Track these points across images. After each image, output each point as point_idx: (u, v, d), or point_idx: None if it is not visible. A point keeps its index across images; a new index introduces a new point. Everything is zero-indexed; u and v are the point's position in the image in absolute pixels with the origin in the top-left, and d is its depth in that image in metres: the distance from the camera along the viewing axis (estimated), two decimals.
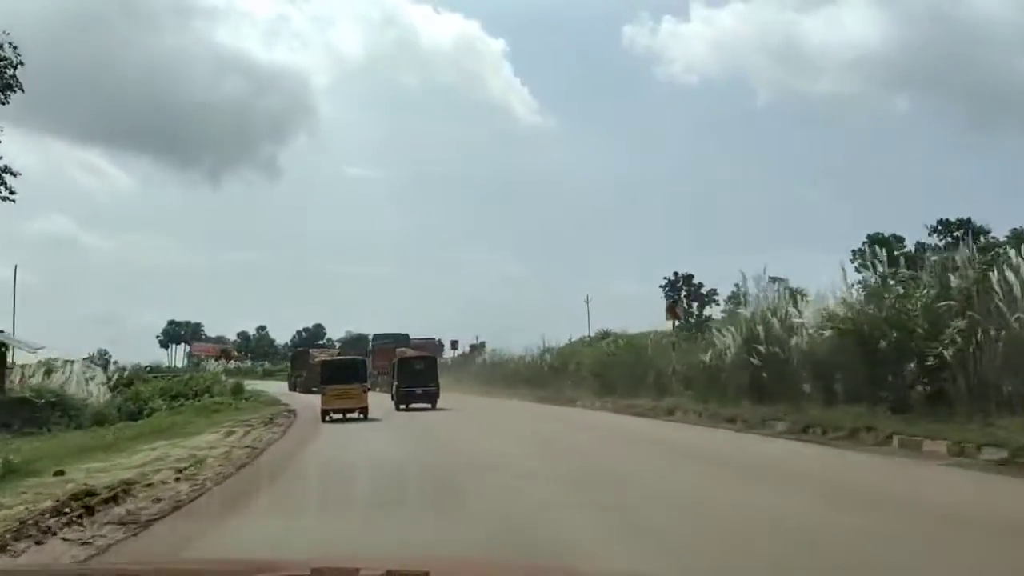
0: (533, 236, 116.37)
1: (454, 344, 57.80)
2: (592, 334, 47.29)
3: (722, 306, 43.55)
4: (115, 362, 52.24)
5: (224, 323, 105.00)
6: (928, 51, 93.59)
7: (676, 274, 61.15)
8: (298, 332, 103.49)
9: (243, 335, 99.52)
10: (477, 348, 58.06)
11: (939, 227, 48.54)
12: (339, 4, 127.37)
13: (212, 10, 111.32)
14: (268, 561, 3.16)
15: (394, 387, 30.18)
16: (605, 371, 30.61)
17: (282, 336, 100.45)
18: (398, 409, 29.10)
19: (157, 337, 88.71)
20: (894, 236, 46.14)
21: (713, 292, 53.46)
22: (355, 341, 60.49)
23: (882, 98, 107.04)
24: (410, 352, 37.95)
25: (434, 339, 56.34)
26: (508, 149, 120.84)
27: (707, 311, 49.84)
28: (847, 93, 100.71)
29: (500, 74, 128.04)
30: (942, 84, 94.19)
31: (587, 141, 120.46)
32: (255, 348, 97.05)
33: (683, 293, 57.47)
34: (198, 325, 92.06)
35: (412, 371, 30.29)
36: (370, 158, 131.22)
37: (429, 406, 29.66)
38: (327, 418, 24.03)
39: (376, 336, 54.71)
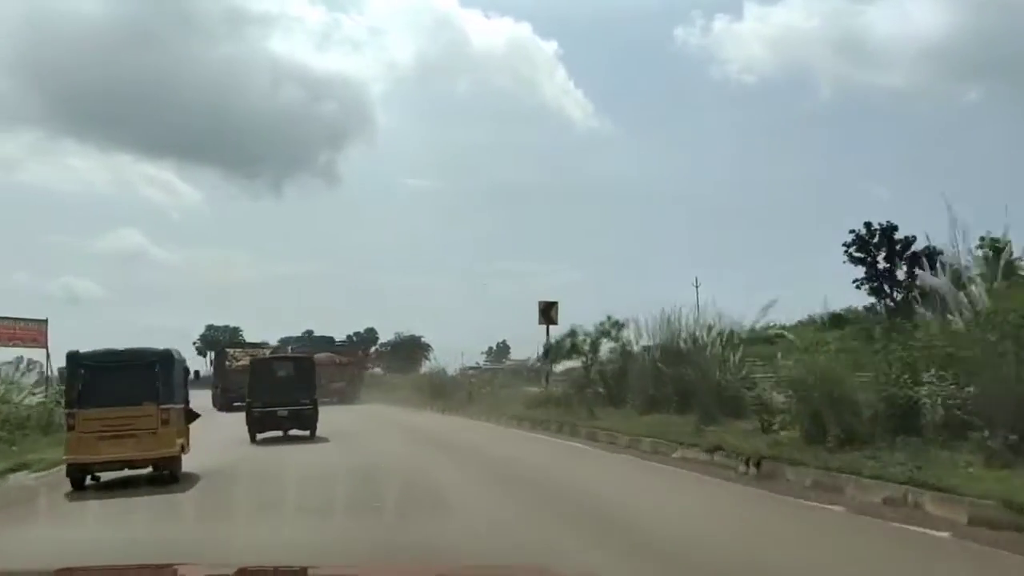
0: (592, 241, 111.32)
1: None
2: None
3: None
4: None
5: (274, 328, 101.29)
6: (1000, 40, 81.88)
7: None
8: (348, 336, 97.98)
9: (285, 340, 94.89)
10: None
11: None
12: (390, 11, 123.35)
13: (265, 18, 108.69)
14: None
15: (248, 407, 21.38)
16: None
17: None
18: (254, 441, 20.50)
19: (194, 343, 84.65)
20: None
21: None
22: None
23: (952, 90, 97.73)
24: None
25: (357, 344, 50.71)
26: (565, 153, 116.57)
27: None
28: (915, 85, 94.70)
29: (554, 77, 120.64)
30: (1017, 73, 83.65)
31: (644, 143, 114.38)
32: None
33: None
34: (236, 329, 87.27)
35: (274, 381, 21.38)
36: (424, 166, 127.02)
37: (306, 433, 21.00)
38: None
39: (283, 339, 49.12)
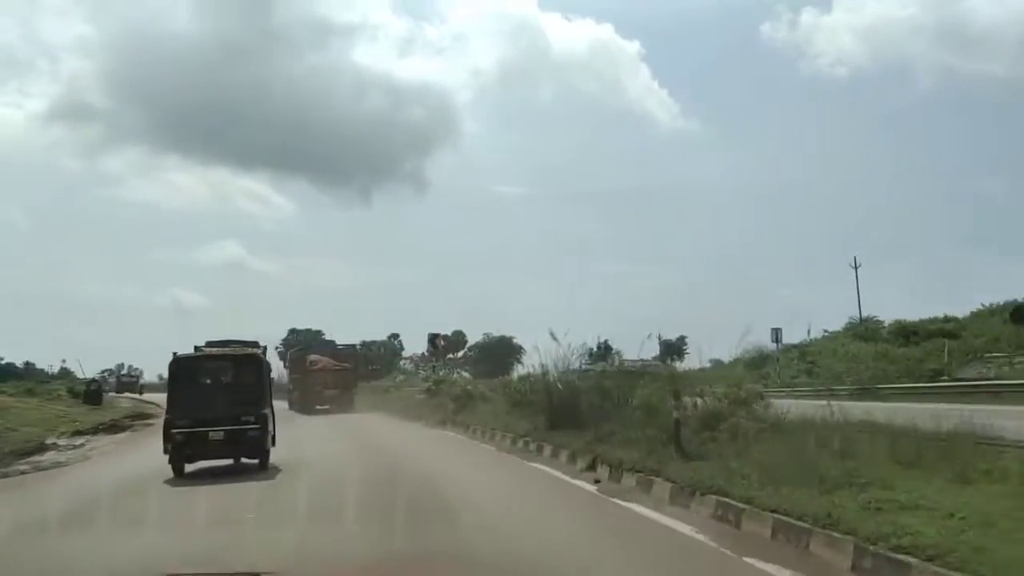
0: (681, 245, 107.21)
1: None
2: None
3: None
4: None
5: (358, 333, 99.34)
6: None
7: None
8: (433, 335, 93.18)
9: (367, 343, 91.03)
10: None
11: None
12: (471, 17, 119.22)
13: (349, 28, 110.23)
14: None
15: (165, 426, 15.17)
16: None
17: (415, 345, 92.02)
18: (180, 475, 14.69)
19: (276, 348, 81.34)
20: None
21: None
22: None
23: None
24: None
25: (354, 345, 46.55)
26: (651, 155, 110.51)
27: None
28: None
29: (638, 78, 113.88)
30: None
31: (733, 143, 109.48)
32: (377, 357, 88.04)
33: None
34: (318, 332, 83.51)
35: (204, 388, 15.36)
36: (510, 171, 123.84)
37: (255, 462, 15.10)
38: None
39: (291, 344, 44.58)
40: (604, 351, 79.83)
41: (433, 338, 41.86)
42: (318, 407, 39.00)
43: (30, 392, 33.54)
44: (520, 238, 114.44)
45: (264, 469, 15.10)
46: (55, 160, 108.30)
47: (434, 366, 39.94)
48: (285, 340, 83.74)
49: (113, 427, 27.30)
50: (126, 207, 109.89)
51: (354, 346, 46.92)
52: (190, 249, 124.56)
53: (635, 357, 25.38)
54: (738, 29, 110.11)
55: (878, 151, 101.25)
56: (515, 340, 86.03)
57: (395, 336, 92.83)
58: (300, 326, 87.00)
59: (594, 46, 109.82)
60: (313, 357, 42.27)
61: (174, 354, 15.51)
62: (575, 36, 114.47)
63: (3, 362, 76.15)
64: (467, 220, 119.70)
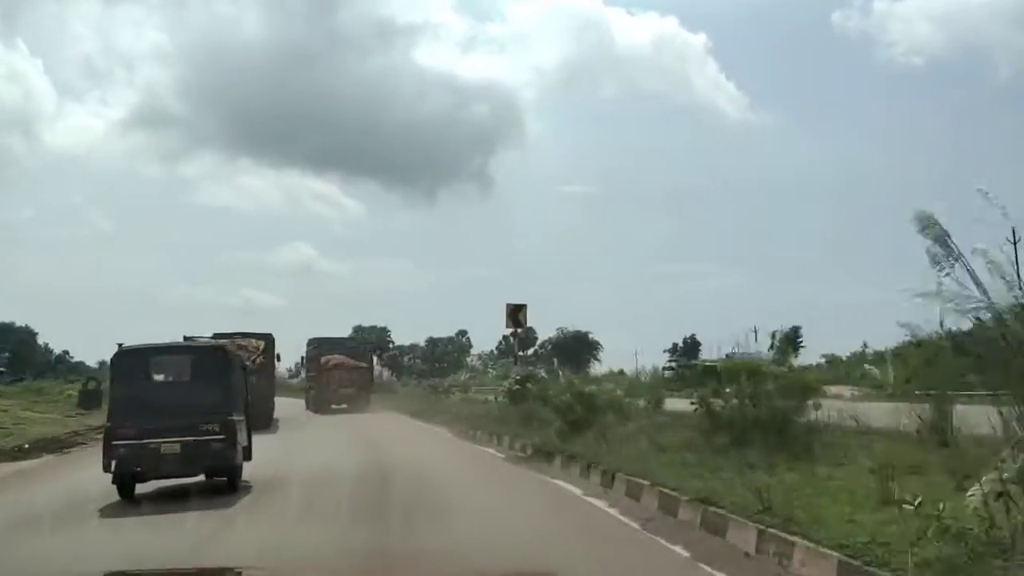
0: (754, 241, 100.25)
1: None
2: None
3: None
4: None
5: (424, 331, 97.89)
6: None
7: None
8: (504, 338, 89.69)
9: (432, 341, 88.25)
10: None
11: None
12: (534, 15, 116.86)
13: (411, 28, 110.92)
14: None
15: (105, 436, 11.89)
16: None
17: (484, 343, 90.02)
18: (126, 496, 11.36)
19: None
20: None
21: None
22: None
23: None
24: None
25: (369, 343, 44.69)
26: (720, 150, 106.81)
27: None
28: None
29: (705, 71, 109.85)
30: None
31: (805, 136, 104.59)
32: (439, 355, 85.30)
33: None
34: (383, 329, 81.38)
35: (155, 390, 11.67)
36: (576, 169, 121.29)
37: (225, 482, 11.68)
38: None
39: (311, 340, 42.85)
40: (690, 347, 74.39)
41: (514, 311, 25.55)
42: (333, 406, 37.98)
43: (40, 392, 31.58)
44: (586, 237, 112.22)
45: (233, 491, 11.68)
46: (135, 166, 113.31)
47: (516, 358, 36.02)
48: (350, 337, 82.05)
49: (59, 443, 21.11)
50: (201, 211, 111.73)
51: (369, 343, 44.83)
52: (263, 251, 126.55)
53: (738, 351, 21.08)
54: (808, 18, 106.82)
55: (954, 143, 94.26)
56: (591, 335, 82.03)
57: (463, 333, 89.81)
58: (366, 324, 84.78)
59: (658, 40, 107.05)
60: (327, 355, 40.70)
61: (119, 346, 12.17)
62: (639, 30, 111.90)
63: (74, 361, 77.41)
64: (532, 219, 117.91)
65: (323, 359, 40.49)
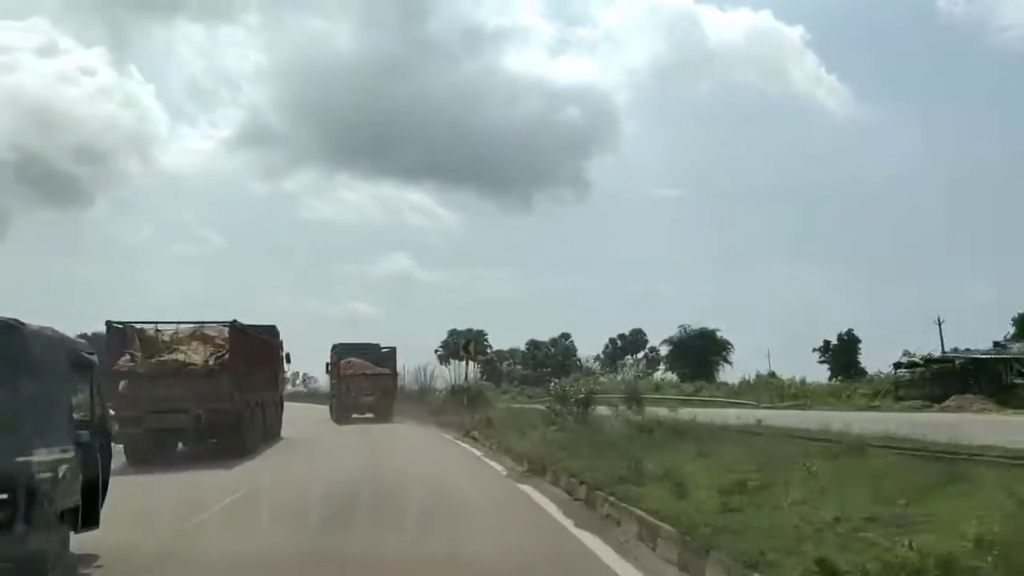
0: (861, 241, 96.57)
1: None
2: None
3: None
4: None
5: (524, 334, 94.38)
6: None
7: None
8: (611, 340, 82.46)
9: (533, 343, 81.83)
10: None
11: None
12: (624, 15, 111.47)
13: (499, 33, 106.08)
14: None
15: None
16: None
17: (588, 346, 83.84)
18: None
19: (436, 351, 74.30)
20: None
21: None
22: None
23: None
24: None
25: (394, 348, 39.32)
26: (822, 146, 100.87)
27: None
28: None
29: (803, 65, 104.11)
30: None
31: (915, 128, 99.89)
32: (541, 359, 79.12)
33: None
34: (480, 332, 75.52)
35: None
36: (672, 171, 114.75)
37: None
38: None
39: (334, 346, 39.33)
40: (847, 345, 63.97)
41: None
42: (355, 415, 35.57)
43: None
44: (684, 240, 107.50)
45: None
46: (242, 183, 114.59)
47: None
48: (444, 343, 76.70)
49: None
50: (305, 225, 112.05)
51: (394, 349, 39.56)
52: (364, 263, 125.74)
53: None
54: (912, 4, 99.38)
55: None
56: (719, 333, 72.12)
57: (566, 336, 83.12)
58: (461, 327, 79.63)
59: (752, 35, 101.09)
60: (347, 360, 37.35)
61: None
62: (732, 26, 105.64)
63: None
64: (630, 223, 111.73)
65: (342, 363, 37.40)
